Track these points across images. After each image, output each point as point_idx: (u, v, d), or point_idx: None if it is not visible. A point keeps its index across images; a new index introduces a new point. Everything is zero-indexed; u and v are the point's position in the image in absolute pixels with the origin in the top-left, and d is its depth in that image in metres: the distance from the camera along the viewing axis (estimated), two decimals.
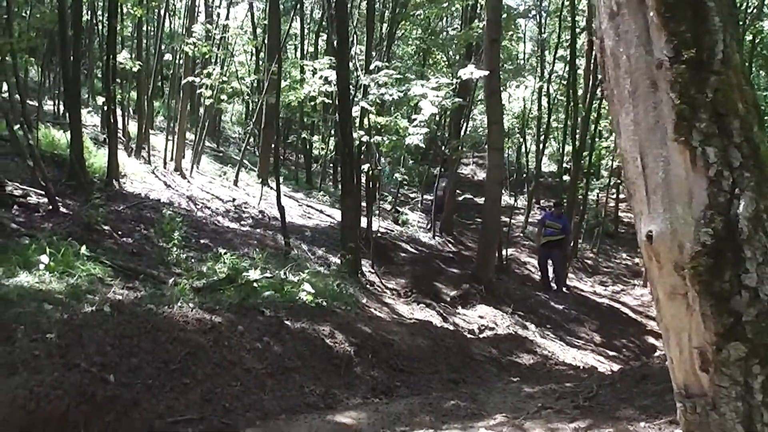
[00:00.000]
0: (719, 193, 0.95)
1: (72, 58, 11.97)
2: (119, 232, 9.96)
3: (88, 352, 4.59)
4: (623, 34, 1.06)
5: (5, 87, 11.75)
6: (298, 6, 22.18)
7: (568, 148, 19.99)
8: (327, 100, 14.48)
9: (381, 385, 6.10)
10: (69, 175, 11.59)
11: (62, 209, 9.92)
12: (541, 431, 4.03)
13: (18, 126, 10.69)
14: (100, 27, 20.18)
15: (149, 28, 18.95)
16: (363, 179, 13.15)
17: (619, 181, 21.33)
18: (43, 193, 10.09)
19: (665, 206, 1.01)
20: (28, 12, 15.43)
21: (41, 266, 6.71)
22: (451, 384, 6.63)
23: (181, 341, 5.19)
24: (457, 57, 19.70)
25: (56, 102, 17.70)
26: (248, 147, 20.44)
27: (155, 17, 17.19)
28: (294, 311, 6.69)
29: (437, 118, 18.73)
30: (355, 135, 11.47)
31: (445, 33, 21.02)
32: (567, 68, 20.37)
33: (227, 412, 4.65)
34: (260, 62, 22.15)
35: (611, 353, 11.03)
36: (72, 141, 11.64)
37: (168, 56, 19.00)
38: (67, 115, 12.80)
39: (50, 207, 9.85)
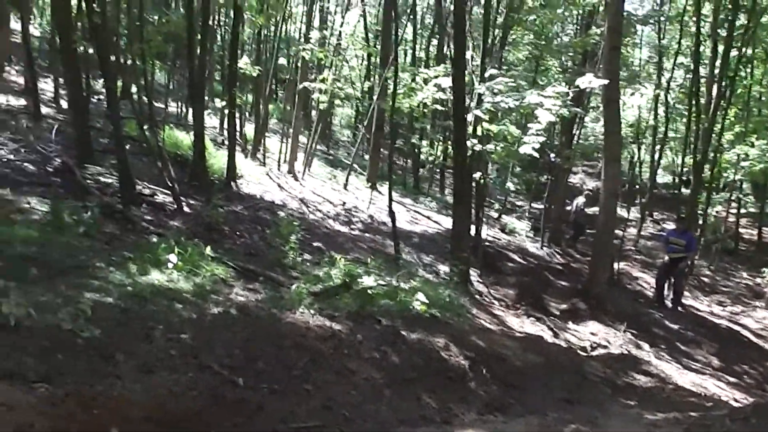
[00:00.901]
0: None
1: (198, 62, 12.50)
2: (238, 233, 10.33)
3: (218, 354, 4.78)
4: None
5: (135, 89, 12.39)
6: (411, 12, 22.30)
7: (687, 159, 19.19)
8: (439, 107, 14.47)
9: (495, 401, 6.02)
10: (191, 175, 12.13)
11: (186, 209, 10.38)
12: None
13: (147, 127, 11.28)
14: (221, 32, 21.02)
15: (267, 33, 19.52)
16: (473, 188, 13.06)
17: (740, 196, 20.29)
18: (168, 192, 10.59)
19: None
20: (156, 18, 16.27)
21: (170, 265, 7.05)
22: (565, 404, 6.47)
23: (303, 347, 5.31)
24: (570, 63, 19.28)
25: (180, 104, 18.54)
26: (358, 151, 20.74)
27: (273, 23, 17.69)
28: (409, 321, 6.72)
29: (547, 127, 18.41)
30: (468, 143, 11.41)
31: (558, 39, 20.59)
32: (688, 76, 19.55)
33: (346, 421, 4.72)
34: (371, 67, 22.48)
35: (732, 379, 10.45)
36: (195, 143, 12.17)
37: (282, 60, 19.56)
38: (191, 117, 13.38)
39: (175, 206, 10.33)
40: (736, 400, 8.06)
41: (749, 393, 9.08)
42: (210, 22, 15.66)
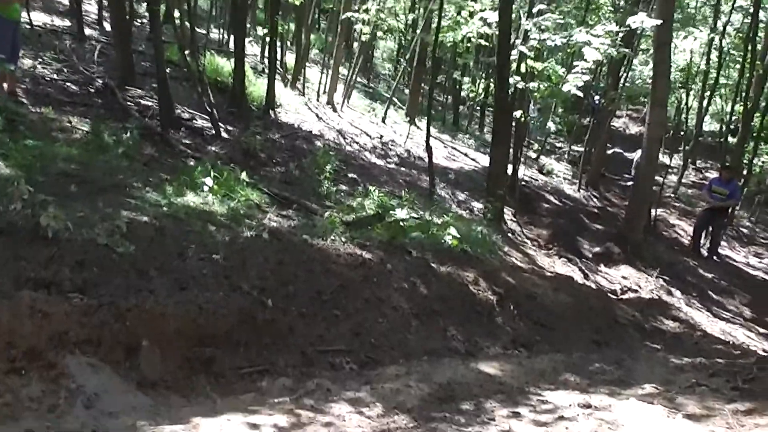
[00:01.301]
0: None
1: None
2: (274, 160, 10.37)
3: (250, 275, 4.86)
4: None
5: (177, 14, 12.30)
6: None
7: (737, 107, 18.59)
8: (484, 42, 14.14)
9: (522, 337, 6.07)
10: (230, 102, 12.12)
11: (224, 134, 10.43)
12: (696, 408, 3.85)
13: (188, 52, 11.25)
14: None
15: None
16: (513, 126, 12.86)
17: None
18: (207, 117, 10.62)
19: None
20: None
21: (205, 188, 7.12)
22: (594, 345, 6.51)
23: (333, 274, 5.37)
24: (623, 3, 18.60)
25: (221, 30, 18.41)
26: (398, 85, 20.48)
27: None
28: (440, 254, 6.74)
29: (594, 68, 17.94)
30: (510, 80, 11.17)
31: None
32: (746, 20, 18.74)
33: (373, 348, 4.80)
34: (416, 0, 21.98)
35: (763, 330, 10.36)
36: (235, 69, 12.11)
37: None
38: (232, 43, 13.29)
39: (213, 131, 10.37)
40: (765, 351, 7.99)
41: None
42: None
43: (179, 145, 9.19)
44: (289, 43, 19.77)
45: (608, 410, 3.76)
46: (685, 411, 3.77)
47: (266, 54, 15.04)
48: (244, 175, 7.89)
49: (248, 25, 17.53)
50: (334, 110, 15.97)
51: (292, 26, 19.74)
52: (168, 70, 10.74)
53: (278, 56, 15.54)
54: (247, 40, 13.93)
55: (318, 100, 16.15)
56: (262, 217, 6.99)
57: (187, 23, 11.93)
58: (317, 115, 14.73)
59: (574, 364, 5.09)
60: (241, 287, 4.65)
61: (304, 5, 16.66)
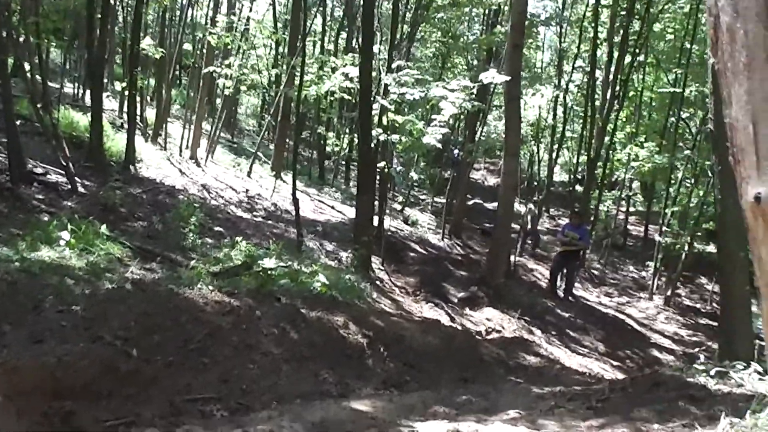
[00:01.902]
0: None
1: (98, 41, 12.08)
2: (136, 215, 10.08)
3: (112, 326, 4.68)
4: (742, 10, 1.17)
5: (28, 67, 11.83)
6: (320, 3, 22.27)
7: (582, 158, 20.05)
8: (346, 96, 14.55)
9: (392, 378, 6.16)
10: (87, 156, 11.73)
11: (81, 189, 10.05)
12: (555, 427, 4.08)
13: (40, 106, 10.82)
14: (124, 12, 20.34)
15: (171, 15, 19.02)
16: (377, 177, 13.22)
17: (630, 194, 21.39)
18: (62, 172, 10.21)
19: None
20: None
21: (62, 242, 6.83)
22: (461, 382, 6.69)
23: (201, 322, 5.27)
24: (476, 61, 19.78)
25: (76, 84, 17.83)
26: (263, 140, 20.55)
27: (179, 6, 17.29)
28: (309, 301, 6.76)
29: (451, 122, 18.84)
30: (373, 132, 11.53)
31: (465, 37, 21.06)
32: (585, 79, 20.44)
33: (244, 394, 4.73)
34: (279, 56, 22.29)
35: (615, 363, 11.05)
36: (93, 123, 11.77)
37: (187, 45, 19.13)
38: (89, 97, 12.92)
39: (69, 186, 9.98)
40: (617, 378, 8.52)
41: (630, 374, 9.61)
42: (111, 1, 15.14)
43: (31, 200, 8.77)
44: (149, 98, 19.41)
45: None
46: (545, 430, 3.99)
47: (125, 109, 14.72)
48: (104, 229, 7.63)
49: (105, 80, 17.09)
50: (198, 165, 15.77)
51: (152, 81, 19.43)
52: (19, 124, 10.29)
53: (138, 111, 15.22)
54: (104, 94, 13.58)
55: (181, 155, 15.90)
56: (124, 271, 6.76)
57: (38, 76, 11.51)
58: (180, 170, 14.49)
59: (442, 398, 5.23)
60: (103, 338, 4.47)
61: (165, 60, 16.51)
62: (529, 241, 17.96)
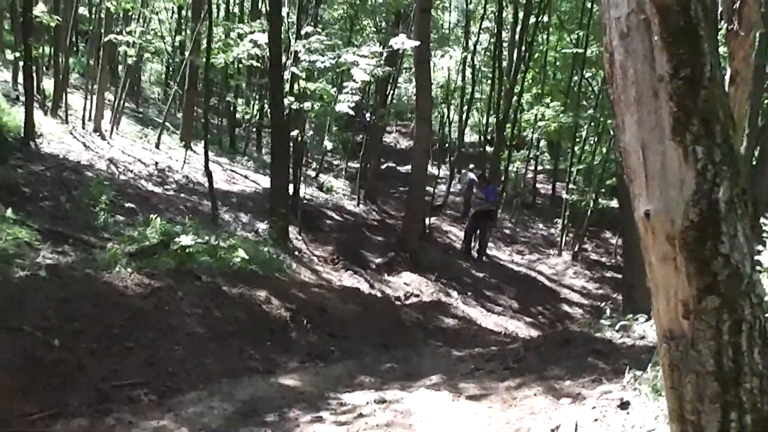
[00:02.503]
0: (704, 181, 1.24)
1: None
2: (41, 195, 9.70)
3: (30, 316, 4.57)
4: (632, 51, 1.31)
5: None
6: None
7: (491, 119, 20.48)
8: (256, 63, 14.31)
9: (316, 349, 6.28)
10: None
11: None
12: (476, 390, 4.30)
13: None
14: None
15: None
16: (290, 145, 13.13)
17: (538, 153, 22.06)
18: None
19: (661, 190, 1.30)
20: None
21: None
22: (383, 348, 6.88)
23: (122, 306, 5.20)
24: (384, 24, 19.75)
25: None
26: (170, 109, 19.94)
27: None
28: (230, 277, 6.76)
29: (362, 86, 18.86)
30: (285, 101, 11.44)
31: None
32: (492, 40, 20.79)
33: (171, 376, 4.73)
34: (183, 21, 21.59)
35: (529, 319, 11.57)
36: None
37: (83, 9, 18.24)
38: None
39: None
40: (531, 337, 8.94)
41: (543, 330, 10.10)
42: None
43: None
44: (45, 68, 18.47)
45: (401, 402, 4.08)
46: (467, 393, 4.20)
47: (20, 80, 14.00)
48: (9, 212, 7.33)
49: None
50: (103, 138, 15.21)
51: (48, 49, 18.49)
52: None
53: (35, 82, 14.48)
54: None
55: (84, 128, 15.27)
56: (35, 256, 6.56)
57: None
58: (84, 144, 13.94)
59: (366, 367, 5.39)
60: (22, 329, 4.36)
61: (60, 27, 15.73)
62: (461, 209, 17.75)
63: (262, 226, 11.95)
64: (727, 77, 4.36)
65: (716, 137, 1.25)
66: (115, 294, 5.32)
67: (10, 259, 5.98)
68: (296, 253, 11.36)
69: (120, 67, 20.75)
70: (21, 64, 13.40)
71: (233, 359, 5.33)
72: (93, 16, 17.99)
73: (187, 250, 7.11)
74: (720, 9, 4.42)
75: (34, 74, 14.64)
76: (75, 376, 4.20)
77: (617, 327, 5.80)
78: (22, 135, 11.93)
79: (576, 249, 16.41)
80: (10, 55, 16.16)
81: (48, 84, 16.61)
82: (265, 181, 14.93)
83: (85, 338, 4.65)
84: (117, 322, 4.98)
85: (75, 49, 23.15)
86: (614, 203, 16.09)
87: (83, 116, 15.57)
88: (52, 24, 14.78)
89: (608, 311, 7.36)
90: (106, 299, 5.19)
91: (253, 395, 4.33)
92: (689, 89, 1.25)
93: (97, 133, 15.23)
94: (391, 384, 4.70)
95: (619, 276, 13.53)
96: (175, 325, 5.33)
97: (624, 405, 3.76)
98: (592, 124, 17.66)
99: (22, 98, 12.68)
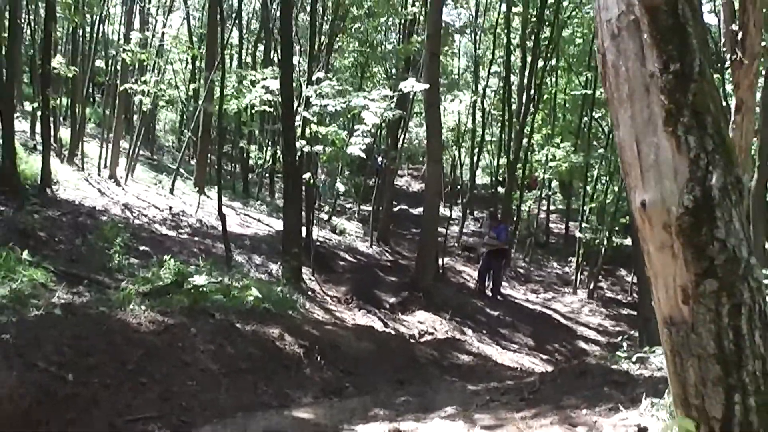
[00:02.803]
0: (698, 170, 1.28)
1: (6, 61, 11.72)
2: (56, 239, 9.81)
3: (46, 352, 4.60)
4: (623, 50, 1.37)
5: None
6: (236, 17, 22.16)
7: (502, 160, 20.60)
8: (268, 109, 14.56)
9: (330, 385, 6.25)
10: (0, 180, 11.33)
11: None
12: (491, 420, 4.26)
13: None
14: (29, 30, 19.74)
15: (83, 32, 18.54)
16: (303, 188, 13.25)
17: (550, 194, 22.10)
18: None
19: (656, 181, 1.33)
20: None
21: None
22: (397, 384, 6.83)
23: (136, 342, 5.23)
24: (394, 71, 20.06)
25: None
26: (184, 156, 20.25)
27: (89, 22, 16.87)
28: (243, 315, 6.78)
29: (374, 131, 19.06)
30: (297, 144, 11.59)
31: (383, 47, 21.34)
32: (501, 84, 21.04)
33: (185, 411, 4.72)
34: (196, 71, 22.02)
35: (544, 356, 11.44)
36: (4, 146, 11.37)
37: (99, 62, 18.69)
38: (0, 119, 12.47)
39: None
40: (547, 371, 8.84)
41: (559, 366, 9.97)
42: (18, 19, 14.67)
43: None
44: (62, 117, 18.85)
45: None
46: (482, 423, 4.16)
47: (37, 130, 14.29)
48: (25, 254, 7.42)
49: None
50: (118, 184, 15.43)
51: (65, 100, 18.89)
52: None
53: (52, 131, 14.78)
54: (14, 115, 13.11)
55: (99, 175, 15.53)
56: (51, 296, 6.61)
57: None
58: (100, 191, 14.15)
59: (381, 401, 5.36)
60: (37, 365, 4.39)
61: (77, 78, 16.11)
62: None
63: (275, 268, 11.99)
64: (733, 106, 4.40)
65: (707, 128, 1.29)
66: (129, 331, 5.35)
67: (25, 300, 6.03)
68: (309, 293, 11.37)
69: (135, 117, 21.15)
70: (39, 114, 13.70)
71: (247, 394, 5.31)
72: (109, 67, 18.44)
73: (201, 289, 7.15)
74: (723, 40, 4.50)
75: (52, 124, 14.96)
76: (89, 411, 4.22)
77: (634, 359, 5.74)
78: (39, 182, 12.14)
79: (591, 287, 16.32)
80: (28, 107, 16.51)
81: (65, 133, 16.95)
82: (278, 225, 15.03)
83: (100, 373, 4.67)
84: (131, 358, 5.00)
85: (91, 99, 23.69)
86: (628, 241, 16.05)
87: (99, 164, 15.84)
88: (70, 75, 15.16)
89: (625, 345, 7.30)
90: (120, 336, 5.22)
91: (267, 428, 4.32)
92: (679, 83, 1.29)
93: (112, 180, 15.46)
94: (406, 416, 4.67)
95: (635, 313, 13.41)
96: (189, 361, 5.34)
97: (642, 431, 3.73)
98: (603, 163, 17.72)
99: (40, 147, 12.93)
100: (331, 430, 4.31)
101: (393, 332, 9.84)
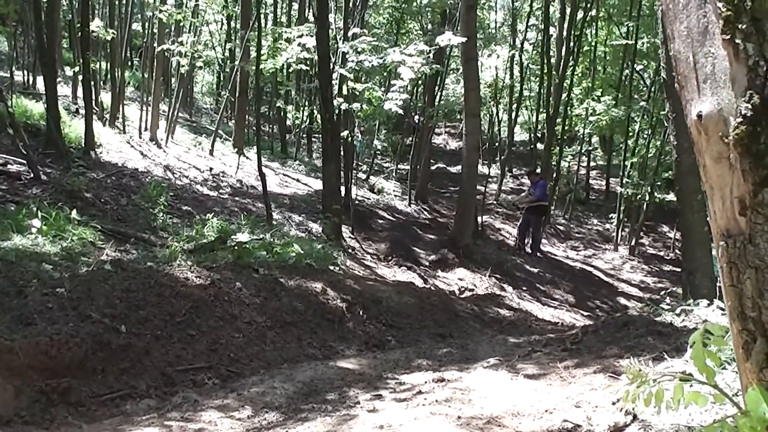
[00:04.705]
0: (756, 77, 1.26)
1: (46, 26, 11.85)
2: (102, 200, 10.02)
3: (99, 304, 4.75)
4: None
5: None
6: None
7: (541, 116, 20.31)
8: (304, 67, 14.53)
9: (373, 339, 6.33)
10: (46, 144, 11.56)
11: (44, 177, 9.93)
12: (534, 369, 4.29)
13: None
14: None
15: None
16: (341, 147, 13.26)
17: (590, 149, 21.76)
18: (23, 161, 10.06)
19: (713, 91, 1.31)
20: None
21: (33, 230, 6.79)
22: (439, 338, 6.89)
23: (184, 296, 5.36)
24: (430, 26, 19.79)
25: (26, 72, 17.45)
26: (222, 117, 20.36)
27: None
28: (286, 270, 6.88)
29: (410, 88, 18.89)
30: (334, 102, 11.57)
31: (418, 0, 21.03)
32: (540, 36, 20.63)
33: (232, 362, 4.85)
34: (232, 31, 22.02)
35: (585, 313, 11.40)
36: (49, 110, 11.57)
37: (136, 25, 18.80)
38: (42, 84, 12.69)
39: (31, 175, 9.84)
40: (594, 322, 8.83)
41: (601, 318, 9.93)
42: None
43: None
44: (102, 82, 19.07)
45: (460, 381, 4.10)
46: (525, 372, 4.19)
47: (79, 94, 14.49)
48: (74, 214, 7.60)
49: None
50: (159, 146, 15.62)
51: (104, 64, 19.09)
52: None
53: (93, 95, 14.97)
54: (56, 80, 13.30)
55: (140, 138, 15.73)
56: (100, 254, 6.78)
57: None
58: (141, 153, 14.36)
59: (424, 352, 5.42)
60: (91, 316, 4.54)
61: (116, 41, 16.23)
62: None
63: (315, 227, 12.11)
64: None
65: (766, 33, 1.26)
66: (177, 285, 5.48)
67: (76, 257, 6.20)
68: (350, 250, 11.47)
69: (173, 80, 21.29)
70: (80, 78, 13.87)
71: (292, 346, 5.43)
72: (146, 30, 18.52)
73: (244, 246, 7.25)
74: None
75: (93, 88, 15.15)
76: (142, 361, 4.36)
77: (678, 311, 5.70)
78: (83, 145, 12.35)
79: (632, 243, 16.13)
80: (69, 71, 16.72)
81: (105, 97, 17.14)
82: (316, 184, 15.12)
83: (151, 325, 4.81)
84: (179, 311, 5.13)
85: (130, 63, 23.86)
86: (670, 196, 15.78)
87: (139, 126, 16.03)
88: (108, 38, 15.28)
89: (668, 299, 7.23)
90: (168, 289, 5.35)
91: (313, 377, 4.41)
92: None
93: (153, 142, 15.65)
94: (449, 366, 4.73)
95: (678, 270, 13.24)
96: (236, 314, 5.46)
97: (687, 378, 3.71)
98: (645, 116, 17.36)
99: (82, 111, 13.12)
100: (375, 378, 4.39)
101: (433, 288, 9.89)
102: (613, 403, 3.55)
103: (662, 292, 9.92)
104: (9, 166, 10.07)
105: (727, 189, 1.34)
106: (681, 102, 1.46)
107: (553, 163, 18.61)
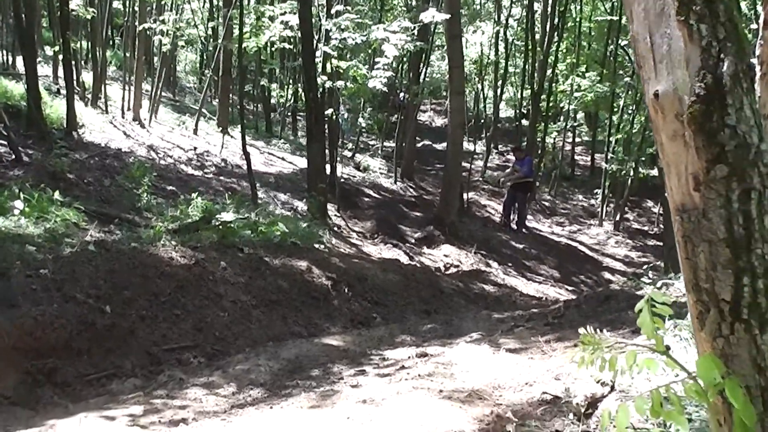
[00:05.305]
0: (709, 57, 1.31)
1: (26, 5, 11.71)
2: (85, 180, 9.97)
3: (83, 285, 4.76)
4: None
5: None
6: None
7: (526, 92, 20.30)
8: (287, 46, 14.43)
9: (358, 316, 6.39)
10: (27, 125, 11.46)
11: (25, 159, 9.87)
12: (516, 344, 4.36)
13: None
14: None
15: None
16: (326, 125, 13.23)
17: (575, 125, 21.80)
18: (4, 143, 9.99)
19: (669, 71, 1.36)
20: None
21: (16, 212, 6.76)
22: (424, 314, 6.96)
23: (168, 276, 5.38)
24: (414, 2, 19.68)
25: (5, 52, 17.22)
26: (206, 96, 20.21)
27: None
28: (271, 249, 6.90)
29: (395, 65, 18.81)
30: (318, 80, 11.53)
31: None
32: (524, 12, 20.57)
33: (218, 340, 4.89)
34: (214, 9, 21.80)
35: (570, 287, 11.52)
36: (29, 90, 11.45)
37: (116, 4, 18.57)
38: (23, 64, 12.53)
39: (13, 157, 9.78)
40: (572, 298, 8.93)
41: (584, 293, 10.05)
42: None
43: None
44: (83, 61, 18.86)
45: (442, 355, 4.16)
46: (506, 346, 4.26)
47: (60, 74, 14.33)
48: (57, 195, 7.57)
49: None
50: (142, 126, 15.51)
51: (85, 44, 18.88)
52: None
53: (74, 75, 14.81)
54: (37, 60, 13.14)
55: (123, 118, 15.60)
56: (84, 235, 6.76)
57: None
58: (125, 133, 14.26)
59: (408, 328, 5.48)
60: (76, 297, 4.56)
61: (96, 20, 16.05)
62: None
63: (300, 205, 12.11)
64: (761, 22, 4.29)
65: (720, 15, 1.31)
66: (162, 265, 5.50)
67: (60, 238, 6.18)
68: (335, 228, 11.50)
69: (155, 59, 21.07)
70: (60, 58, 13.71)
71: (277, 325, 5.47)
72: (127, 8, 18.30)
73: (229, 225, 7.26)
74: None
75: (74, 68, 14.98)
76: (127, 341, 4.38)
77: (658, 284, 5.78)
78: (65, 126, 12.26)
79: (617, 219, 16.25)
80: (49, 51, 16.53)
81: (87, 77, 16.96)
82: (301, 163, 15.09)
83: (136, 306, 4.83)
84: (164, 291, 5.16)
85: (111, 42, 23.58)
86: (654, 172, 15.88)
87: (122, 106, 15.90)
88: (88, 17, 15.10)
89: (650, 273, 7.32)
90: (153, 270, 5.37)
91: (297, 354, 4.46)
92: None
93: (136, 122, 15.54)
94: (432, 342, 4.79)
95: (662, 244, 13.38)
96: (221, 293, 5.49)
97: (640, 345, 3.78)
98: (630, 92, 17.40)
99: (63, 91, 13.00)
100: (359, 355, 4.44)
101: (418, 265, 9.95)
102: (592, 375, 3.63)
103: (645, 267, 10.01)
104: None
105: (683, 166, 1.39)
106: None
107: (539, 139, 18.65)
